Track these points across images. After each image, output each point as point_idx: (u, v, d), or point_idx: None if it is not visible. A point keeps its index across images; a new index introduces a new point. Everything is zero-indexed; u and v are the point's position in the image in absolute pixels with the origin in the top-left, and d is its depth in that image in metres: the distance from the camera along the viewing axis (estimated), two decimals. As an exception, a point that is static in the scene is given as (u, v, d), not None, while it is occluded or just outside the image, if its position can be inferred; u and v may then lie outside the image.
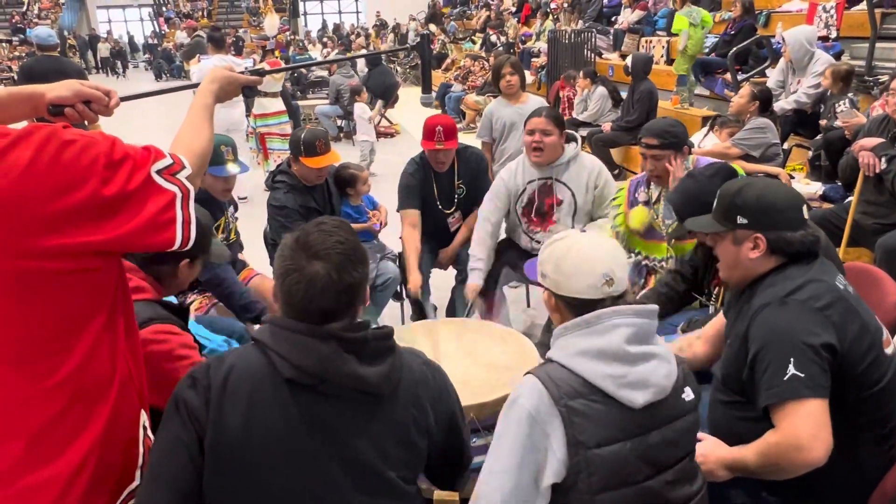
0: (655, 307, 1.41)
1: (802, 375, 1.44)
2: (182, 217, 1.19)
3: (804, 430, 1.42)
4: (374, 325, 1.28)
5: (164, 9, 27.10)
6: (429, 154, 3.25)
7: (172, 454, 1.19)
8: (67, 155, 1.08)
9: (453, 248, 3.39)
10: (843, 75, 4.46)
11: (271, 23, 15.03)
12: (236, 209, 3.26)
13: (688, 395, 1.40)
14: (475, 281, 3.00)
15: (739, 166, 3.82)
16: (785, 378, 1.45)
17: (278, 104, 7.11)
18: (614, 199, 2.94)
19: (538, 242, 3.05)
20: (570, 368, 1.33)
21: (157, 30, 26.50)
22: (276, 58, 7.67)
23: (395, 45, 18.27)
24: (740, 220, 1.63)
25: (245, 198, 6.29)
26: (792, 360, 1.45)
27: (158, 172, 1.19)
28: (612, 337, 1.33)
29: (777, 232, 1.59)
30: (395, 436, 1.25)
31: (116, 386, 1.21)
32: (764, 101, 4.19)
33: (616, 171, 6.16)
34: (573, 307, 1.40)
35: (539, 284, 1.50)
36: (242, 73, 1.60)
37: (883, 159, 3.19)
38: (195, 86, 1.53)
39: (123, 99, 1.47)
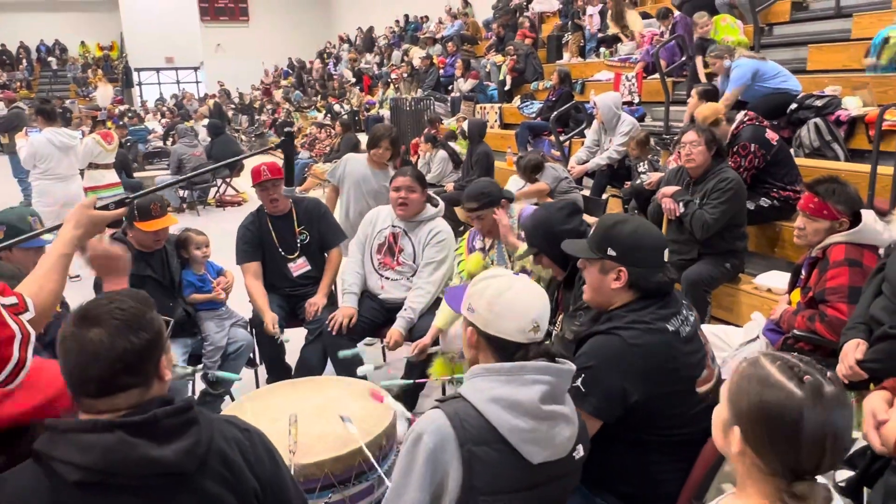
0: (572, 368, 1.46)
1: (583, 391, 1.66)
2: (18, 357, 1.17)
3: None
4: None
5: (-25, 79, 24.83)
6: (261, 195, 3.36)
7: None
8: None
9: (321, 296, 3.44)
10: (642, 140, 5.11)
11: (104, 93, 14.43)
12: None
13: (578, 452, 1.46)
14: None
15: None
16: (574, 383, 1.65)
17: (111, 176, 6.79)
18: (457, 248, 3.25)
19: (387, 279, 3.31)
20: (481, 412, 1.35)
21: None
22: (108, 129, 7.32)
23: (239, 113, 18.08)
24: (610, 251, 1.74)
25: (78, 276, 5.38)
26: (583, 376, 1.66)
27: (3, 306, 1.17)
28: (529, 391, 1.35)
29: (639, 269, 1.72)
30: None
31: None
32: (532, 168, 5.07)
33: (461, 227, 6.49)
34: (497, 348, 1.42)
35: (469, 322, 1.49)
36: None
37: (681, 204, 3.69)
38: (58, 227, 1.50)
39: None
